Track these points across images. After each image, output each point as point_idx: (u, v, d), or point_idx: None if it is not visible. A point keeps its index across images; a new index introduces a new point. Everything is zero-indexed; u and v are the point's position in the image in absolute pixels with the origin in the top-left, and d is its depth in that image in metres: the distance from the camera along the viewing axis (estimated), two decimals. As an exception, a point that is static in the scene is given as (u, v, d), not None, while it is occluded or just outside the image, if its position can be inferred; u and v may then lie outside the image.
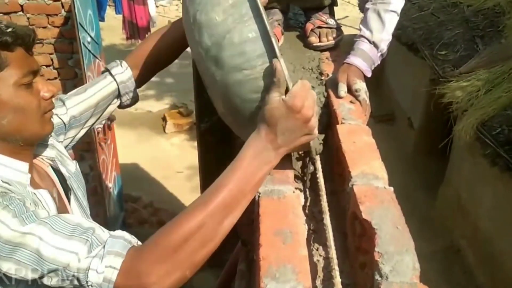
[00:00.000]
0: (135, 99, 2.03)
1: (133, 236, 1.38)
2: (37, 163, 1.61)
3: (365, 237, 1.44)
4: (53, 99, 1.74)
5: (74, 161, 1.83)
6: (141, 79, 2.00)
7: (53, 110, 1.69)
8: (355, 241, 1.54)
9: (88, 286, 1.27)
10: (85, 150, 4.84)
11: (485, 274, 5.00)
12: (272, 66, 1.40)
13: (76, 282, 1.28)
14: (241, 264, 2.47)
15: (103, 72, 1.96)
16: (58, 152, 1.73)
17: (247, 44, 1.44)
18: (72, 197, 1.69)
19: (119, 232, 1.38)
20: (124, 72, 1.93)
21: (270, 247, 1.35)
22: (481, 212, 5.19)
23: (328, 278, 1.52)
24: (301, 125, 1.38)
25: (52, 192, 1.56)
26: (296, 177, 1.79)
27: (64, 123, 1.79)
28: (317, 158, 1.73)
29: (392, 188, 1.56)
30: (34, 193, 1.44)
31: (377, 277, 1.27)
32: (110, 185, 5.26)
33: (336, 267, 1.40)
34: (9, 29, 1.39)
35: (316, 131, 1.44)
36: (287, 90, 1.39)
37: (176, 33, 1.94)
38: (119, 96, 1.96)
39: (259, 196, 1.55)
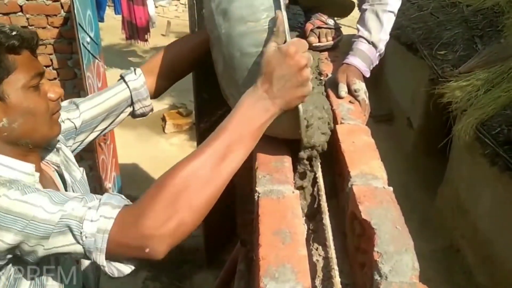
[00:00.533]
0: (149, 108, 2.03)
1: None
2: (43, 167, 1.61)
3: (365, 237, 1.44)
4: (67, 103, 1.82)
5: (82, 168, 1.83)
6: (157, 88, 2.01)
7: (66, 114, 1.74)
8: (355, 241, 1.53)
9: (82, 238, 1.26)
10: (85, 150, 4.80)
11: (485, 274, 5.00)
12: (274, 16, 1.44)
13: (69, 239, 1.27)
14: (241, 264, 2.47)
15: (119, 80, 1.97)
16: (64, 157, 1.73)
17: None
18: None
19: (116, 193, 1.38)
20: (137, 79, 1.93)
21: (269, 247, 1.35)
22: (480, 212, 5.19)
23: (328, 278, 1.52)
24: (294, 72, 1.37)
25: None
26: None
27: (75, 127, 1.80)
28: (317, 157, 1.74)
29: (391, 188, 1.56)
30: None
31: (376, 277, 1.27)
32: (109, 185, 5.26)
33: (336, 267, 1.41)
34: (14, 32, 1.39)
35: (310, 85, 1.42)
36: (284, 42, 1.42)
37: (194, 42, 1.98)
38: (132, 103, 1.96)
39: (258, 196, 1.55)
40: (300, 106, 1.50)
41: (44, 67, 1.55)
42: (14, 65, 1.40)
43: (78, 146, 1.89)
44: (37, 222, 1.25)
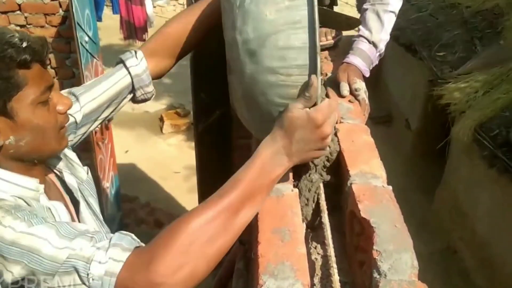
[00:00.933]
0: (151, 94, 1.89)
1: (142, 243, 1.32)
2: (49, 174, 1.58)
3: (364, 236, 1.44)
4: (66, 93, 1.70)
5: (86, 168, 1.78)
6: (161, 69, 1.87)
7: None
8: (354, 240, 1.53)
9: (89, 280, 1.18)
10: (82, 150, 4.82)
11: (482, 276, 5.00)
12: (308, 81, 1.37)
13: (75, 279, 1.19)
14: (239, 263, 2.47)
15: (117, 63, 1.82)
16: (68, 160, 1.68)
17: (291, 52, 1.38)
18: (82, 206, 1.62)
19: (127, 232, 1.32)
20: (139, 64, 1.79)
21: (268, 244, 1.35)
22: (478, 214, 5.19)
23: (327, 276, 1.52)
24: (317, 139, 1.37)
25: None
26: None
27: (76, 122, 1.69)
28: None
29: (390, 187, 1.56)
30: (49, 208, 1.43)
31: (375, 275, 1.27)
32: (107, 185, 5.26)
33: (335, 265, 1.40)
34: (24, 44, 1.32)
35: (328, 148, 1.46)
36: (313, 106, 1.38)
37: (201, 13, 1.81)
38: (133, 90, 1.83)
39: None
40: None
41: (53, 78, 1.49)
42: (25, 80, 1.33)
43: (79, 139, 1.80)
44: (43, 258, 1.19)
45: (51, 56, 4.52)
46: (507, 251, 4.55)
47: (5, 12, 4.33)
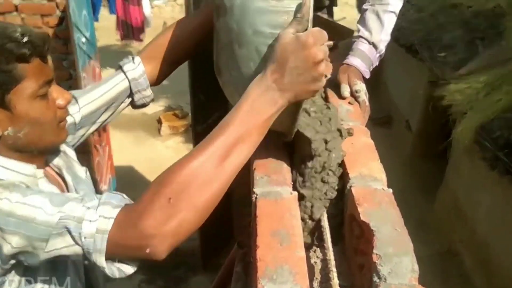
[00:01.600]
0: (149, 98, 1.93)
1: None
2: (48, 169, 1.61)
3: (363, 239, 1.43)
4: None
5: (84, 168, 1.82)
6: (158, 75, 1.90)
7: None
8: (353, 243, 1.53)
9: (81, 238, 1.24)
10: (80, 152, 4.78)
11: (482, 278, 5.00)
12: (301, 3, 1.29)
13: (68, 240, 1.25)
14: (238, 266, 2.46)
15: (117, 69, 1.87)
16: (67, 159, 1.72)
17: None
18: None
19: (117, 192, 1.36)
20: (136, 69, 1.83)
21: (267, 248, 1.34)
22: (479, 216, 5.19)
23: (326, 280, 1.52)
24: (310, 65, 1.27)
25: None
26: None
27: (75, 122, 1.76)
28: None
29: (390, 190, 1.56)
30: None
31: (375, 279, 1.27)
32: (105, 187, 5.26)
33: (334, 269, 1.40)
34: (25, 39, 1.35)
35: (323, 81, 1.33)
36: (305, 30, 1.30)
37: (197, 22, 1.83)
38: (131, 94, 1.87)
39: (256, 198, 1.55)
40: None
41: (53, 72, 1.51)
42: (24, 74, 1.37)
43: (78, 141, 1.86)
44: (37, 224, 1.25)
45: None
46: (507, 254, 4.55)
47: (2, 13, 4.33)
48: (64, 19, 4.34)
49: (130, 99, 1.90)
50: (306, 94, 1.34)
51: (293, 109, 1.41)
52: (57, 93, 1.49)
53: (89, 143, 4.69)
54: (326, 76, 1.51)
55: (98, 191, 4.91)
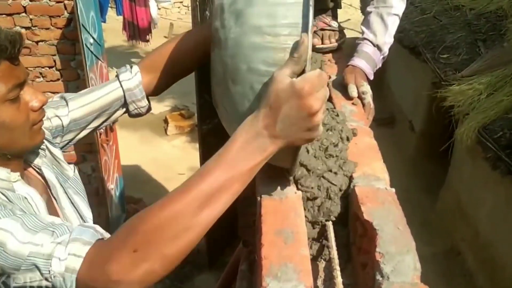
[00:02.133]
0: (145, 109, 1.85)
1: (108, 233, 1.30)
2: (29, 169, 1.57)
3: (366, 238, 1.44)
4: (58, 97, 1.72)
5: (72, 165, 1.75)
6: (157, 86, 1.81)
7: (54, 110, 1.65)
8: (357, 242, 1.54)
9: (50, 276, 1.18)
10: (87, 151, 4.84)
11: (485, 278, 5.00)
12: (299, 41, 1.18)
13: (38, 276, 1.19)
14: (243, 264, 2.47)
15: (116, 76, 1.80)
16: (52, 158, 1.67)
17: (281, 8, 1.23)
18: (65, 203, 1.62)
19: (91, 224, 1.32)
20: (132, 79, 1.75)
21: (271, 246, 1.35)
22: (481, 216, 5.18)
23: (329, 278, 1.52)
24: (305, 116, 1.16)
25: (41, 195, 1.51)
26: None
27: (63, 125, 1.69)
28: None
29: (393, 190, 1.56)
30: (25, 197, 1.42)
31: (378, 277, 1.28)
32: (112, 186, 5.26)
33: (337, 267, 1.40)
34: None
35: (319, 130, 1.21)
36: (301, 74, 1.18)
37: (198, 37, 1.73)
38: (125, 104, 1.79)
39: (261, 197, 1.55)
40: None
41: (27, 73, 1.43)
42: None
43: (67, 144, 1.79)
44: (8, 254, 1.18)
45: (55, 58, 4.53)
46: (509, 253, 4.55)
47: (10, 14, 4.34)
48: (72, 20, 4.35)
49: (124, 108, 1.83)
50: (300, 142, 1.24)
51: (292, 149, 1.32)
52: (31, 95, 1.42)
53: (96, 143, 4.70)
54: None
55: (105, 189, 4.95)
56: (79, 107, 1.72)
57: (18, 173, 1.45)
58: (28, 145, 1.46)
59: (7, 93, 1.33)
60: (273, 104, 1.17)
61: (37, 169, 1.59)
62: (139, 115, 1.87)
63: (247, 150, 1.19)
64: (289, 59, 1.19)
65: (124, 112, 1.84)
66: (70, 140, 1.78)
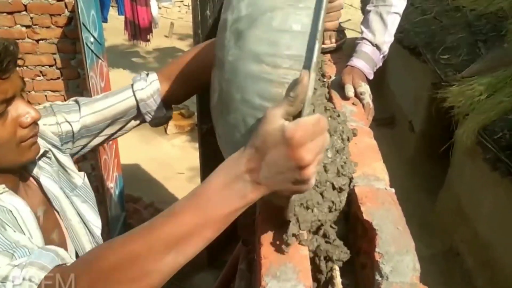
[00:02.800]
0: (164, 118, 1.76)
1: (72, 257, 1.22)
2: (30, 179, 1.50)
3: (366, 238, 1.44)
4: (72, 101, 1.65)
5: (83, 173, 1.70)
6: (177, 95, 1.71)
7: (65, 115, 1.58)
8: (356, 242, 1.54)
9: None
10: (88, 150, 4.84)
11: (484, 278, 5.00)
12: (298, 77, 1.01)
13: None
14: (242, 263, 2.47)
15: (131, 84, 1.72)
16: (59, 166, 1.60)
17: (285, 36, 1.06)
18: (70, 213, 1.56)
19: (53, 247, 1.20)
20: (145, 89, 1.66)
21: (271, 246, 1.35)
22: (481, 217, 5.19)
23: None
24: (293, 167, 0.99)
25: (36, 209, 1.45)
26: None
27: (73, 131, 1.62)
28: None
29: (393, 190, 1.57)
30: (10, 210, 1.33)
31: (377, 277, 1.28)
32: (111, 185, 5.26)
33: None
34: None
35: (311, 184, 1.03)
36: (298, 117, 1.01)
37: None
38: (139, 113, 1.71)
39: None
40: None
41: (18, 86, 1.33)
42: None
43: (81, 149, 1.72)
44: None
45: (56, 56, 4.53)
46: (509, 253, 4.55)
47: (11, 13, 4.34)
48: (72, 19, 4.35)
49: (141, 118, 1.74)
50: (287, 193, 1.08)
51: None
52: (22, 110, 1.33)
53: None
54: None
55: (104, 188, 4.95)
56: (90, 113, 1.65)
57: (3, 185, 1.36)
58: (17, 161, 1.38)
59: None
60: (259, 146, 1.00)
61: (36, 181, 1.51)
62: (158, 124, 1.79)
63: (224, 194, 1.02)
64: (284, 97, 1.02)
65: (141, 122, 1.77)
66: (84, 146, 1.72)
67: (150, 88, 1.66)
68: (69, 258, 1.18)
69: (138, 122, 1.76)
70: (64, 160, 1.62)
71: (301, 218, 1.42)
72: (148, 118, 1.72)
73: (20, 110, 1.32)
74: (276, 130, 0.97)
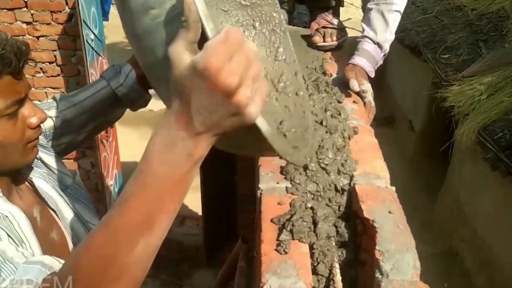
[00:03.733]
0: (144, 102, 1.77)
1: (60, 260, 1.16)
2: (25, 182, 1.49)
3: (366, 236, 1.45)
4: (50, 99, 1.68)
5: (74, 172, 1.70)
6: None
7: (46, 112, 1.54)
8: (356, 239, 1.54)
9: None
10: (87, 147, 4.84)
11: (483, 278, 4.99)
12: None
13: None
14: (241, 261, 2.48)
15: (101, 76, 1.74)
16: (49, 168, 1.60)
17: None
18: (66, 212, 1.56)
19: (39, 257, 1.17)
20: (124, 84, 1.68)
21: (271, 243, 1.35)
22: (480, 216, 5.18)
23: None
24: (221, 100, 0.84)
25: (32, 209, 1.45)
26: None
27: (55, 126, 1.65)
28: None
29: (393, 188, 1.57)
30: (6, 216, 1.30)
31: (377, 275, 1.28)
32: (111, 182, 5.27)
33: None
34: None
35: (252, 111, 0.87)
36: (205, 41, 0.84)
37: None
38: (119, 102, 1.72)
39: (261, 193, 1.55)
40: (260, 124, 0.91)
41: (29, 88, 1.35)
42: None
43: (64, 148, 1.73)
44: None
45: (56, 53, 4.53)
46: (508, 253, 4.55)
47: (11, 9, 4.34)
48: (73, 16, 4.35)
49: (120, 109, 1.77)
50: (233, 129, 0.90)
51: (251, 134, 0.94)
52: (30, 111, 1.34)
53: (96, 139, 4.71)
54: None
55: (104, 185, 4.95)
56: (69, 106, 1.68)
57: None
58: (18, 164, 1.39)
59: (5, 109, 1.26)
60: (180, 95, 0.87)
61: (29, 182, 1.51)
62: (139, 108, 1.79)
63: (168, 161, 0.91)
64: (180, 29, 0.87)
65: (123, 110, 1.80)
66: (69, 144, 1.73)
67: (129, 80, 1.68)
68: (57, 263, 1.14)
69: (119, 112, 1.78)
70: (50, 161, 1.62)
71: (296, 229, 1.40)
72: (128, 104, 1.74)
73: (28, 111, 1.35)
74: (186, 71, 0.84)
